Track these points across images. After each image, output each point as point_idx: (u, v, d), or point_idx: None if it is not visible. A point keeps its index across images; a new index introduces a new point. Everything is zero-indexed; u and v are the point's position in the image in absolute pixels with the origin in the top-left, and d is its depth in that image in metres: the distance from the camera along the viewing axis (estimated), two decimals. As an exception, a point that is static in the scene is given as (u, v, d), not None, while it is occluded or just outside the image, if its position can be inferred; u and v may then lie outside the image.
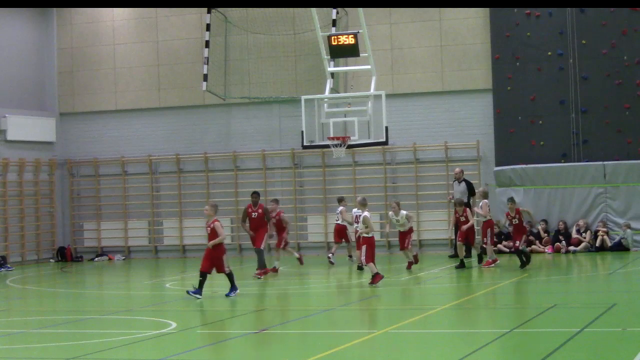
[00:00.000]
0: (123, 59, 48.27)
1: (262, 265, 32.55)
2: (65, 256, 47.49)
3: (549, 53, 41.71)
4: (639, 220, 40.39)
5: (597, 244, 40.41)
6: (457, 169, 33.48)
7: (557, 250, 40.19)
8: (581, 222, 41.00)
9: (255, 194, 33.80)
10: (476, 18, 42.93)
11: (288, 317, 22.41)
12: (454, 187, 31.82)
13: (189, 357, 15.83)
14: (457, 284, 31.83)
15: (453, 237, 33.49)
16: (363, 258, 27.35)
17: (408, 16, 43.68)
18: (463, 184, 31.22)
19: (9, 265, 43.28)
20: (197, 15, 46.24)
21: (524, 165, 41.72)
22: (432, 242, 42.89)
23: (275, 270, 33.93)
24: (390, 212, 34.74)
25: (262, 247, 32.52)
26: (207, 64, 45.79)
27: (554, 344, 18.59)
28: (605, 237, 40.29)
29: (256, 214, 32.82)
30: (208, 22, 45.77)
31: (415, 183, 43.65)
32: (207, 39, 45.88)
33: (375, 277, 27.56)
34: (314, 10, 40.91)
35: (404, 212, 32.66)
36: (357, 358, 17.36)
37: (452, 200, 32.76)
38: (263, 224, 32.85)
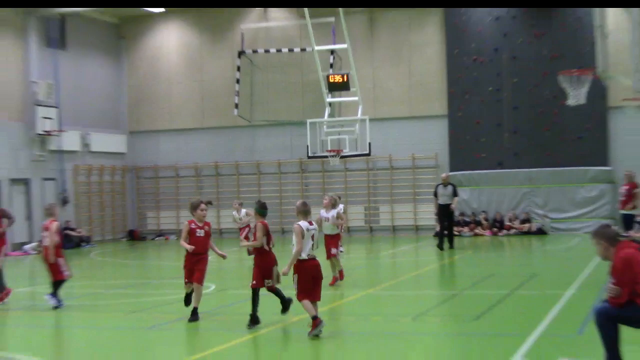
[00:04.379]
0: (175, 92, 48.44)
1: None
2: (133, 236, 47.71)
3: (490, 89, 41.84)
4: (554, 212, 40.65)
5: (524, 230, 40.70)
6: (444, 174, 33.27)
7: (494, 234, 40.50)
8: (511, 214, 41.28)
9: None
10: (437, 62, 43.14)
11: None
12: (439, 190, 31.21)
13: (222, 310, 16.02)
14: (420, 258, 32.01)
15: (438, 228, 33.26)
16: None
17: (386, 60, 43.89)
18: (449, 187, 30.80)
19: (92, 243, 43.59)
20: (230, 59, 46.43)
21: (470, 171, 42.06)
22: (402, 227, 43.03)
23: None
24: (234, 212, 32.85)
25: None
26: (238, 95, 46.02)
27: (491, 302, 18.98)
28: (530, 224, 40.63)
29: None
30: (238, 64, 46.00)
31: (390, 184, 43.82)
32: (237, 77, 46.09)
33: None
34: (316, 55, 41.12)
35: (244, 210, 28.53)
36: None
37: (437, 201, 32.27)
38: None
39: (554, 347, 13.46)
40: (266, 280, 15.83)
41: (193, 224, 16.97)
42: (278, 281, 15.98)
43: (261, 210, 16.33)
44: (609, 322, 10.93)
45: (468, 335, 15.96)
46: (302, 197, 45.53)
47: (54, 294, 19.40)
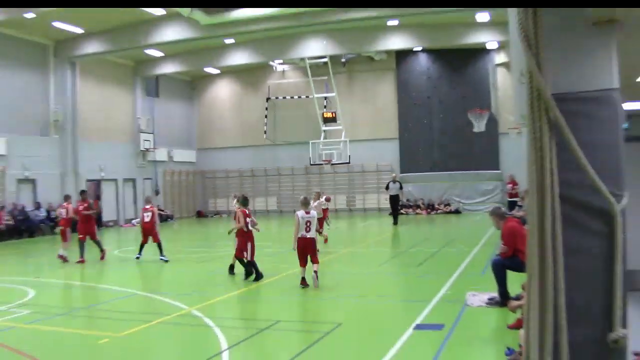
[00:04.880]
0: (227, 123, 48.34)
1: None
2: (199, 214, 47.57)
3: (425, 121, 41.90)
4: (466, 199, 40.55)
5: (447, 210, 40.76)
6: (393, 174, 33.92)
7: (428, 213, 40.46)
8: (439, 200, 41.32)
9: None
10: (391, 104, 43.11)
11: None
12: (390, 185, 31.75)
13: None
14: (380, 228, 32.14)
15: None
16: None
17: (359, 102, 43.78)
18: (397, 183, 31.55)
19: (174, 219, 43.59)
20: (261, 102, 46.45)
21: (413, 173, 42.04)
22: (370, 209, 43.03)
23: None
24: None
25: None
26: (266, 125, 46.13)
27: (426, 255, 19.04)
28: (450, 207, 40.67)
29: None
30: (266, 106, 46.14)
31: (362, 181, 43.70)
32: (266, 114, 46.19)
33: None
34: (315, 100, 41.09)
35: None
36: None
37: (389, 193, 32.45)
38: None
39: (466, 283, 13.72)
40: (244, 252, 15.16)
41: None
42: (252, 254, 15.08)
43: (243, 201, 15.83)
44: (500, 268, 11.27)
45: (414, 275, 16.24)
46: (306, 191, 45.71)
47: (161, 251, 19.67)
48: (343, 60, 43.58)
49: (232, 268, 16.07)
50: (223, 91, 49.17)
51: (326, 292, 13.84)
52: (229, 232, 16.15)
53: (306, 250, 13.90)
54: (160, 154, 44.69)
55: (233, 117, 48.61)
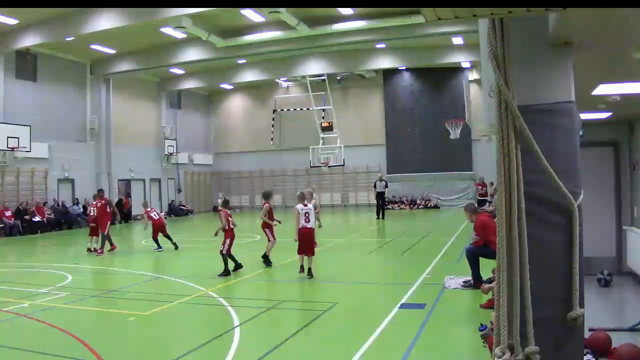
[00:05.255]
0: (239, 131, 48.33)
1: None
2: (215, 209, 47.43)
3: (408, 129, 41.83)
4: (443, 196, 40.49)
5: (427, 206, 40.76)
6: (380, 174, 33.90)
7: (411, 209, 40.44)
8: (420, 197, 41.30)
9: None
10: (379, 115, 43.07)
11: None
12: (377, 183, 31.74)
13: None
14: (370, 221, 32.06)
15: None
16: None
17: (352, 114, 43.65)
18: (383, 182, 31.57)
19: (194, 213, 43.54)
20: (269, 114, 46.32)
21: (399, 174, 41.96)
22: (361, 204, 42.90)
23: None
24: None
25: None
26: (273, 133, 46.11)
27: (409, 245, 19.05)
28: (430, 202, 40.61)
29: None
30: (273, 117, 46.10)
31: (354, 181, 43.65)
32: (272, 123, 46.15)
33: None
34: (315, 112, 41.09)
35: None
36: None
37: (376, 190, 32.29)
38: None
39: (444, 269, 13.67)
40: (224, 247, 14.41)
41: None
42: (229, 249, 14.35)
43: (224, 203, 15.38)
44: (473, 255, 11.26)
45: (399, 261, 16.21)
46: (306, 190, 45.73)
47: (173, 242, 19.80)
48: (338, 78, 43.53)
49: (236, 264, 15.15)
50: (236, 104, 49.14)
51: (323, 276, 13.78)
52: (215, 234, 15.21)
53: (307, 238, 13.33)
54: (182, 158, 44.66)
55: (245, 126, 48.56)
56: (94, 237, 19.68)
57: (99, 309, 10.47)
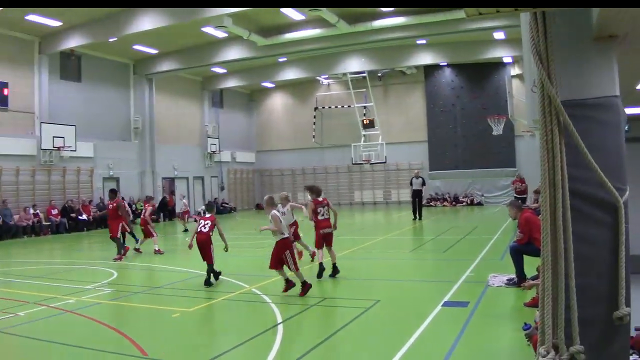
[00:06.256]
0: (281, 129, 48.53)
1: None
2: (258, 207, 47.67)
3: (450, 126, 41.61)
4: (487, 193, 40.26)
5: (470, 203, 40.50)
6: (416, 171, 32.62)
7: (453, 206, 40.22)
8: (463, 194, 41.05)
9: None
10: (421, 111, 42.87)
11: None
12: (413, 180, 30.57)
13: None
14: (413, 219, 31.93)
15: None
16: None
17: (394, 110, 43.70)
18: (420, 179, 30.24)
19: (236, 211, 43.76)
20: (310, 111, 46.48)
21: (441, 171, 41.84)
22: (403, 201, 42.61)
23: None
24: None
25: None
26: (314, 130, 46.18)
27: (452, 242, 18.89)
28: (473, 199, 40.34)
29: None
30: (314, 114, 46.15)
31: (397, 178, 43.48)
32: (314, 121, 46.21)
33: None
34: (356, 109, 41.04)
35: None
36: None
37: (412, 188, 31.23)
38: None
39: (487, 267, 13.53)
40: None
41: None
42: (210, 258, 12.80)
43: (209, 207, 14.13)
44: (517, 253, 11.11)
45: (441, 260, 16.07)
46: (348, 187, 45.79)
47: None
48: (379, 74, 43.50)
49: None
50: (277, 102, 49.36)
51: (365, 274, 13.80)
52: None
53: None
54: (225, 156, 45.01)
55: (286, 124, 48.81)
56: (155, 237, 19.39)
57: (144, 305, 10.57)
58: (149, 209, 19.75)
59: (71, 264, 17.30)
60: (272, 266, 11.27)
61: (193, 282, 13.09)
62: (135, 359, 7.44)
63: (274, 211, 11.41)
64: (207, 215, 13.35)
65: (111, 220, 18.40)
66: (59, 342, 8.38)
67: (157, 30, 27.51)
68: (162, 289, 12.43)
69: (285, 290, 11.25)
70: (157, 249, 19.03)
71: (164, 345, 8.30)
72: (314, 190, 13.60)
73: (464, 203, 40.75)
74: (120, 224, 18.29)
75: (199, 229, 13.07)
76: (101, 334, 8.95)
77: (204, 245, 12.90)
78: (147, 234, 19.37)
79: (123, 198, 28.71)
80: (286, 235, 11.31)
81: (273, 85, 48.13)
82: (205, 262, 12.92)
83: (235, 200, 46.04)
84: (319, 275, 12.88)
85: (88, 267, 16.44)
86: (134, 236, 20.08)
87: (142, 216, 19.96)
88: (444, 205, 40.76)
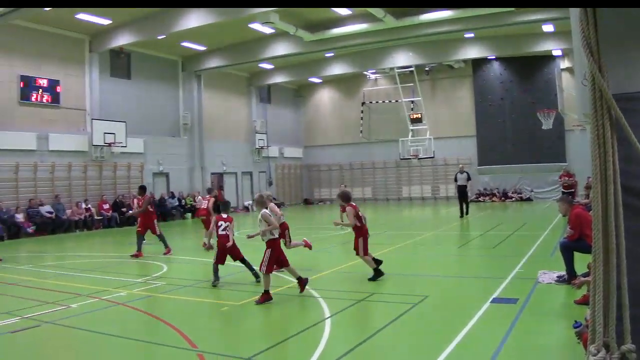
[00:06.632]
0: (329, 124, 48.61)
1: None
2: (306, 202, 47.94)
3: (499, 120, 41.17)
4: (536, 188, 39.88)
5: (517, 198, 40.04)
6: (461, 165, 32.06)
7: (502, 201, 39.86)
8: (512, 189, 40.61)
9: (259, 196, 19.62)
10: (469, 106, 42.58)
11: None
12: (458, 175, 29.78)
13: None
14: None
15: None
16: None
17: (441, 105, 43.45)
18: (465, 173, 29.59)
19: (285, 206, 43.78)
20: (357, 106, 46.53)
21: (489, 166, 41.47)
22: (451, 197, 42.30)
23: None
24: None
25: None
26: (362, 125, 46.13)
27: (501, 238, 18.67)
28: (522, 195, 39.88)
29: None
30: (362, 109, 46.08)
31: (445, 173, 43.19)
32: (361, 116, 46.15)
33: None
34: (404, 104, 40.87)
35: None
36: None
37: (457, 183, 30.41)
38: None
39: (537, 264, 13.34)
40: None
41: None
42: (219, 260, 12.26)
43: (223, 207, 13.19)
44: (568, 249, 10.94)
45: (490, 256, 15.89)
46: (396, 182, 45.65)
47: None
48: (426, 69, 43.23)
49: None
50: (325, 97, 49.46)
51: (414, 270, 13.76)
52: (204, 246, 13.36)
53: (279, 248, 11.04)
54: (273, 151, 45.35)
55: (333, 119, 48.89)
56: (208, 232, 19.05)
57: (194, 299, 10.67)
58: (212, 200, 19.60)
59: (122, 258, 17.58)
60: (268, 270, 10.57)
61: (242, 275, 13.16)
62: (184, 351, 7.54)
63: (264, 210, 11.03)
64: (225, 216, 12.63)
65: (144, 217, 18.04)
66: (110, 333, 8.53)
67: (204, 27, 27.81)
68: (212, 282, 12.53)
69: (261, 301, 10.30)
70: (205, 242, 18.77)
71: (213, 338, 8.41)
72: (348, 196, 12.95)
73: (513, 199, 40.38)
74: (154, 220, 18.16)
75: (224, 232, 12.45)
76: (151, 326, 9.14)
77: (232, 249, 12.47)
78: (207, 226, 19.00)
79: (152, 194, 28.90)
80: (276, 236, 10.86)
81: (320, 81, 48.19)
82: (239, 261, 12.69)
83: (283, 195, 46.22)
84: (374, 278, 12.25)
85: (139, 260, 16.69)
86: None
87: (203, 207, 19.47)
88: (492, 201, 40.43)
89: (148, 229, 17.91)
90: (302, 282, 11.09)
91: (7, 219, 25.80)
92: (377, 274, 12.16)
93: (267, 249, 10.73)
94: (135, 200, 19.53)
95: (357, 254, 12.50)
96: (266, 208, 11.29)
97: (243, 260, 12.65)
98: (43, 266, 16.59)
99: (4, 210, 25.87)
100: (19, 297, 11.55)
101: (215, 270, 12.34)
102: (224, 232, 12.38)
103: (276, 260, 10.78)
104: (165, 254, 17.67)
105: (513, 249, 16.93)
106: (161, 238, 18.14)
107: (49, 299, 11.11)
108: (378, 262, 12.48)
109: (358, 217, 12.50)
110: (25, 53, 28.25)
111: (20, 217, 26.39)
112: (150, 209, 18.28)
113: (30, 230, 26.40)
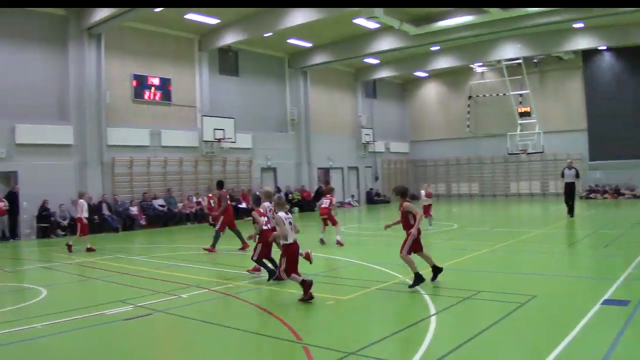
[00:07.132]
0: (434, 118, 48.38)
1: None
2: (413, 198, 47.70)
3: (612, 112, 39.50)
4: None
5: (630, 195, 38.61)
6: (569, 160, 30.60)
7: (615, 198, 38.52)
8: (625, 185, 39.24)
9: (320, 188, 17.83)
10: (579, 100, 41.15)
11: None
12: (565, 172, 28.16)
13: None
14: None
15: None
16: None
17: (550, 99, 42.21)
18: (573, 169, 28.29)
19: (390, 202, 43.86)
20: (464, 100, 46.06)
21: (602, 161, 39.96)
22: (561, 194, 41.25)
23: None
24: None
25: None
26: (468, 120, 45.53)
27: (613, 238, 18.09)
28: (635, 191, 38.48)
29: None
30: (469, 103, 45.50)
31: (554, 168, 41.76)
32: (468, 110, 45.58)
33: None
34: (512, 97, 40.02)
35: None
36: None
37: (564, 180, 28.90)
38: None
39: (651, 263, 12.82)
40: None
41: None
42: (261, 254, 12.15)
43: (255, 201, 13.27)
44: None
45: (602, 255, 15.35)
46: (504, 178, 44.81)
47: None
48: (535, 61, 42.07)
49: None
50: (430, 91, 49.06)
51: (522, 268, 13.47)
52: (249, 238, 12.87)
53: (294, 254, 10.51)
54: (379, 146, 45.41)
55: (439, 114, 48.48)
56: (334, 227, 18.75)
57: (299, 292, 10.75)
58: (333, 199, 19.40)
59: (231, 250, 17.93)
60: (287, 276, 10.35)
61: (349, 270, 13.22)
62: (290, 343, 7.64)
63: (281, 213, 10.49)
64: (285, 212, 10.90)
65: (225, 214, 17.87)
66: (218, 323, 8.84)
67: (310, 24, 28.08)
68: (319, 277, 12.59)
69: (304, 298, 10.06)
70: (322, 238, 18.67)
71: (318, 331, 8.51)
72: (407, 192, 12.14)
73: (626, 195, 38.88)
74: (223, 219, 17.84)
75: (267, 227, 12.26)
76: (258, 318, 9.38)
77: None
78: (332, 223, 18.67)
79: (229, 190, 28.55)
80: (291, 241, 10.36)
81: (426, 75, 47.79)
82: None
83: (389, 190, 45.81)
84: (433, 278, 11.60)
85: (247, 252, 16.92)
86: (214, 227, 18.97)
87: (324, 205, 18.92)
88: (604, 198, 39.03)
89: (226, 226, 17.88)
90: (437, 271, 11.39)
91: (122, 212, 27.40)
92: (418, 280, 10.98)
93: (281, 255, 10.43)
94: (207, 198, 19.35)
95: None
96: (274, 206, 11.08)
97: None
98: (155, 257, 17.24)
99: (119, 203, 27.45)
100: (133, 287, 12.12)
101: (264, 265, 12.29)
102: (267, 228, 12.23)
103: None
104: (241, 249, 17.48)
105: (626, 248, 16.22)
106: (237, 234, 17.98)
107: (161, 289, 11.63)
108: (438, 269, 11.57)
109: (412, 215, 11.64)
110: (138, 53, 29.53)
111: (134, 209, 27.89)
112: (222, 204, 17.90)
113: (143, 222, 27.81)
